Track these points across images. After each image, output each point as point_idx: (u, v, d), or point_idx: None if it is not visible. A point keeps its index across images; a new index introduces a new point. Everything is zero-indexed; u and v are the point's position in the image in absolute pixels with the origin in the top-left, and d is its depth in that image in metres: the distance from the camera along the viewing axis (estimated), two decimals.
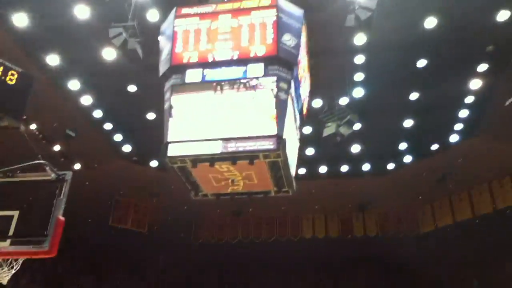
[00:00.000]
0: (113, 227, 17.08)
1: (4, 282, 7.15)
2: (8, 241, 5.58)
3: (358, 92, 12.42)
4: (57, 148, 13.75)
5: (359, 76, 12.00)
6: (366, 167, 16.18)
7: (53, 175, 5.92)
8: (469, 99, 12.83)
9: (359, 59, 11.32)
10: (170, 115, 7.04)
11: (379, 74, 11.87)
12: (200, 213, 18.25)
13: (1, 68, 7.92)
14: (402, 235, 18.11)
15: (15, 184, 6.05)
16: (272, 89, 6.86)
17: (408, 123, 14.02)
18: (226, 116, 6.86)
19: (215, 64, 7.21)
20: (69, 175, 5.95)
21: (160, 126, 7.21)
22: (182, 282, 19.41)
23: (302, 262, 18.95)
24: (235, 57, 7.17)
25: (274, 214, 18.51)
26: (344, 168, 16.35)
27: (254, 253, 18.66)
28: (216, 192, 8.08)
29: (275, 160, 6.86)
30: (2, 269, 6.91)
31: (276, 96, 6.83)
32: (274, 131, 6.63)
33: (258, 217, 18.73)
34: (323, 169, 16.33)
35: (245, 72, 7.06)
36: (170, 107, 7.09)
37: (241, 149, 6.63)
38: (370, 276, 18.74)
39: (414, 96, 12.83)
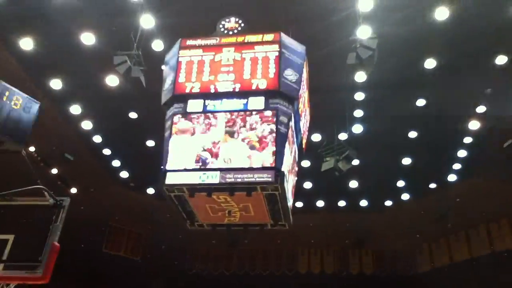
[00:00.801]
0: (107, 253, 16.86)
1: None
2: (2, 265, 5.51)
3: (358, 128, 12.50)
4: (54, 171, 13.73)
5: (358, 113, 12.11)
6: (364, 203, 16.13)
7: (51, 201, 5.91)
8: (468, 140, 12.90)
9: (359, 96, 11.45)
10: (169, 144, 7.09)
11: (379, 112, 11.99)
12: (195, 243, 18.04)
13: (7, 92, 8.03)
14: (399, 273, 17.87)
15: (13, 208, 6.04)
16: (272, 122, 6.93)
17: (406, 161, 14.06)
18: (225, 146, 6.90)
19: (217, 95, 7.31)
20: (66, 201, 5.95)
21: (159, 154, 7.25)
22: None
23: None
24: (236, 89, 7.28)
25: (270, 247, 18.31)
26: (342, 203, 16.31)
27: (248, 285, 18.37)
28: (212, 223, 8.04)
29: (272, 192, 6.86)
30: None
31: (276, 129, 6.88)
32: (272, 163, 6.65)
33: (253, 249, 18.52)
34: (320, 203, 16.28)
35: (246, 104, 7.16)
36: (170, 135, 7.14)
37: (239, 180, 6.65)
38: None
39: (413, 134, 12.92)
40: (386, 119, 12.19)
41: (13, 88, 8.07)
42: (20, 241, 5.65)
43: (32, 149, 12.73)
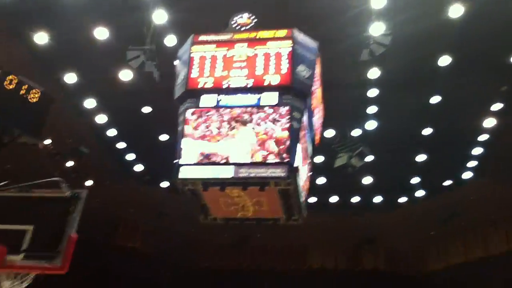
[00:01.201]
0: (120, 246, 17.05)
1: None
2: (21, 255, 5.69)
3: (371, 125, 12.43)
4: (69, 164, 13.91)
5: (372, 109, 12.04)
6: (377, 199, 16.06)
7: (68, 193, 6.05)
8: (484, 137, 12.77)
9: (373, 92, 11.40)
10: (182, 138, 7.16)
11: (393, 108, 11.92)
12: (208, 237, 18.13)
13: (26, 86, 8.22)
14: (412, 271, 17.75)
15: (31, 199, 6.21)
16: (285, 118, 6.96)
17: (421, 157, 13.93)
18: (239, 141, 6.95)
19: (230, 91, 7.35)
20: (83, 193, 6.09)
21: (172, 148, 7.33)
22: None
23: None
24: (249, 85, 7.32)
25: (282, 242, 18.30)
26: (355, 199, 16.26)
27: (260, 280, 18.44)
28: (225, 217, 8.10)
29: (285, 188, 6.90)
30: (14, 283, 6.96)
31: (289, 125, 6.91)
32: (286, 159, 6.69)
33: (266, 244, 18.54)
34: (333, 199, 16.25)
35: (259, 100, 7.19)
36: (183, 130, 7.22)
37: (252, 175, 6.71)
38: None
39: (427, 131, 12.81)
40: (400, 116, 12.12)
41: (31, 82, 8.26)
42: (39, 232, 5.82)
43: (47, 142, 12.92)
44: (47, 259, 5.64)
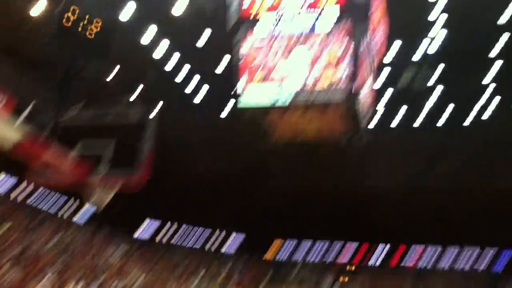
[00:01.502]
0: (186, 173, 17.76)
1: (102, 206, 7.92)
2: (105, 168, 6.46)
3: (440, 36, 11.58)
4: (135, 94, 14.36)
5: (442, 18, 11.14)
6: (443, 119, 15.42)
7: (141, 115, 6.66)
8: None
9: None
10: (241, 66, 7.17)
11: (464, 19, 11.03)
12: (270, 160, 18.43)
13: (86, 19, 8.49)
14: (480, 188, 17.25)
15: (112, 121, 6.87)
16: (343, 40, 6.71)
17: (491, 75, 12.99)
18: (300, 66, 6.86)
19: (284, 17, 7.13)
20: (155, 116, 6.66)
21: (233, 76, 7.36)
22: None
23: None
24: (305, 8, 7.03)
25: (345, 162, 18.04)
26: (420, 120, 15.70)
27: (320, 200, 18.80)
28: (287, 140, 8.20)
29: (347, 110, 6.82)
30: (102, 192, 7.66)
31: (348, 47, 6.69)
32: (345, 82, 6.56)
33: (327, 164, 18.53)
34: (398, 119, 15.78)
35: (314, 24, 6.93)
36: (240, 58, 7.21)
37: (312, 99, 6.67)
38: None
39: (503, 39, 11.78)
40: (472, 26, 11.20)
41: (91, 15, 8.47)
42: (120, 148, 6.58)
43: (112, 73, 13.32)
44: (128, 172, 6.38)
